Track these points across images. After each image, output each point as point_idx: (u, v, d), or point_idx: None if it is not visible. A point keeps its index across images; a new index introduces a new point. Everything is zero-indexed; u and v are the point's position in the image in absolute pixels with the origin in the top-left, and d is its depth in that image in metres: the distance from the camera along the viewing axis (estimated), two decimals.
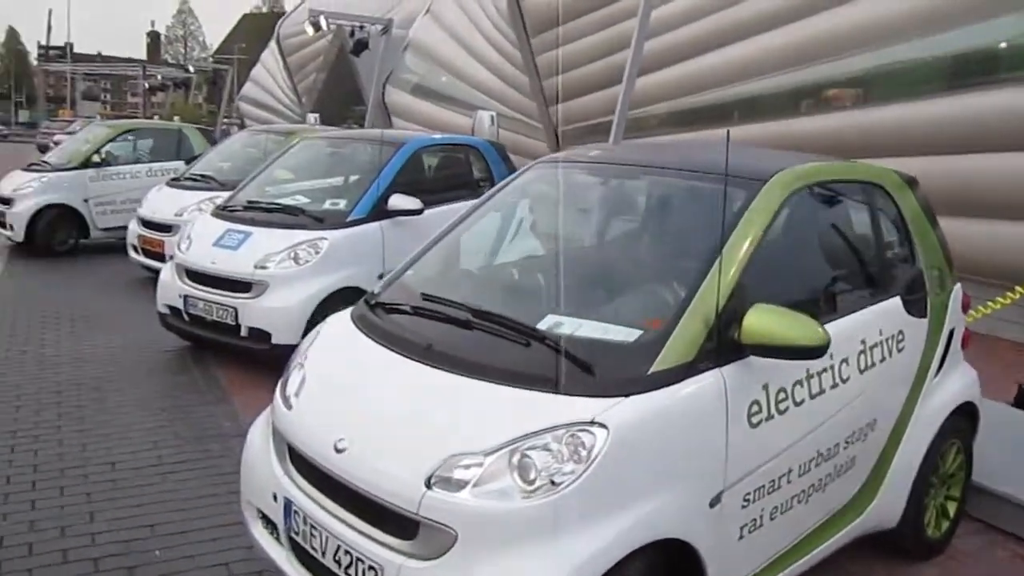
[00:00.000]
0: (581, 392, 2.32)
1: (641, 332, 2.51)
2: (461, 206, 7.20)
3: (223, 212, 6.40)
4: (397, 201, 6.03)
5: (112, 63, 77.13)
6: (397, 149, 6.39)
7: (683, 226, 3.21)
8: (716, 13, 10.08)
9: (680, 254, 3.08)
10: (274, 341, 5.55)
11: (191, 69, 32.05)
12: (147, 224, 8.74)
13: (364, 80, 20.14)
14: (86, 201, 10.56)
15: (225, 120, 27.11)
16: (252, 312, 5.60)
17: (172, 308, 6.15)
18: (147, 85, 37.25)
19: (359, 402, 2.69)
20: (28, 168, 11.26)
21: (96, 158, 10.74)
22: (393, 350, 2.77)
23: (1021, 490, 3.79)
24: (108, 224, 10.56)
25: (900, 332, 3.19)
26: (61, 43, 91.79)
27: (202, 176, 9.14)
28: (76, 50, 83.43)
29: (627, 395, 2.30)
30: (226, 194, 8.49)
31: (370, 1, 20.25)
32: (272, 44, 27.50)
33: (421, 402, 2.52)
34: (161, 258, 8.53)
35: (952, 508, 3.62)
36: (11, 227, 10.39)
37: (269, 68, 28.47)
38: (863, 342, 3.01)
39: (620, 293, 2.93)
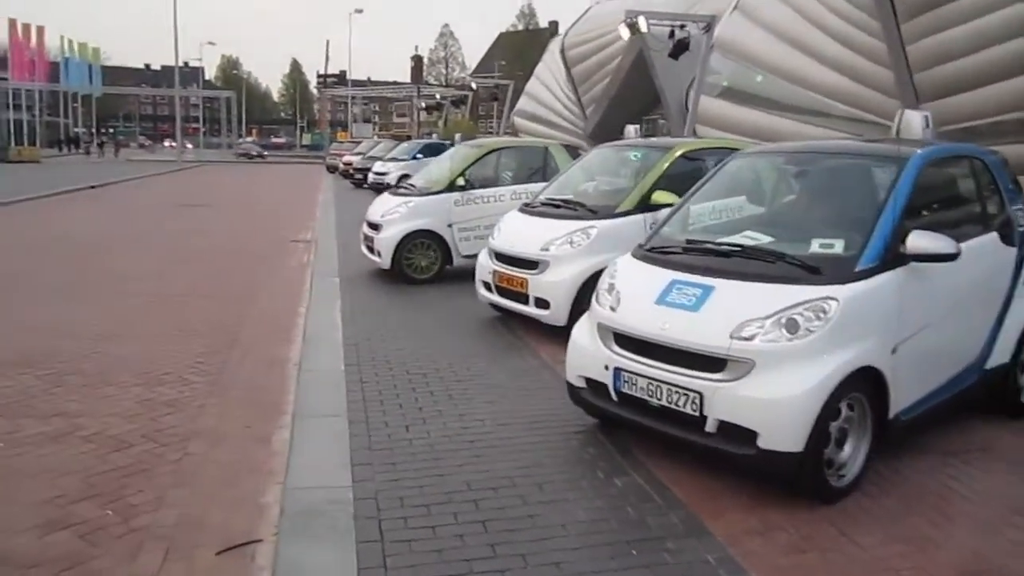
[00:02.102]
0: None
1: None
2: (987, 240, 5.31)
3: (653, 255, 4.82)
4: (920, 242, 4.16)
5: (380, 87, 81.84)
6: (902, 165, 4.52)
7: None
8: None
9: None
10: (762, 444, 3.88)
11: (474, 86, 31.93)
12: (503, 258, 7.51)
13: (664, 85, 18.53)
14: (450, 226, 9.86)
15: (507, 134, 26.67)
16: (730, 402, 3.96)
17: (591, 382, 4.70)
18: (423, 104, 38.33)
19: None
20: (395, 192, 10.92)
21: (460, 181, 9.95)
22: None
23: None
24: (470, 251, 9.62)
25: None
26: (336, 71, 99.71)
27: (564, 201, 7.68)
28: (349, 76, 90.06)
29: None
30: (600, 223, 7.08)
31: (664, 2, 18.55)
32: (552, 56, 26.67)
33: None
34: (522, 299, 7.26)
35: None
36: (379, 254, 9.97)
37: (545, 81, 27.66)
38: None
39: None
